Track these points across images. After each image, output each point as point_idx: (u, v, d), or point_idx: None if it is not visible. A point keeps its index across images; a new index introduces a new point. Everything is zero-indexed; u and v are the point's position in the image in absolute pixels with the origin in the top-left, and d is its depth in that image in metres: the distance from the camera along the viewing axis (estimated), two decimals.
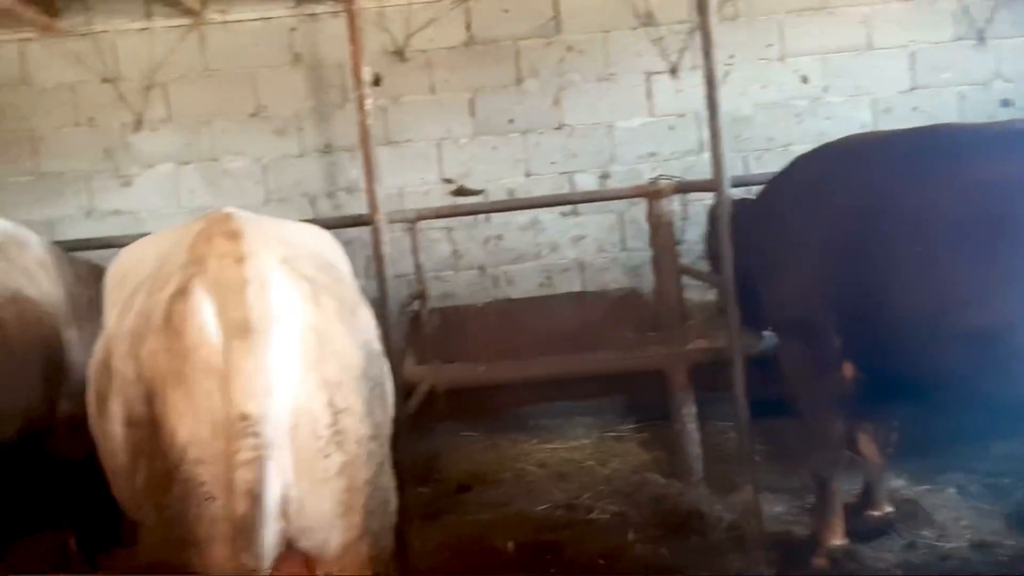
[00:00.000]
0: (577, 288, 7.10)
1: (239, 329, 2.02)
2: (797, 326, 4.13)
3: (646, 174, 7.03)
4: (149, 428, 2.10)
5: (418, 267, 5.50)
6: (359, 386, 2.30)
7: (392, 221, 4.45)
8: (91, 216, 7.05)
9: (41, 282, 4.02)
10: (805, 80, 7.17)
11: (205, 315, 2.06)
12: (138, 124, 6.99)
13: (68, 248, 4.93)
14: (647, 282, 6.89)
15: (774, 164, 6.80)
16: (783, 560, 4.22)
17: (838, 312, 3.89)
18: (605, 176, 7.16)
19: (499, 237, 7.18)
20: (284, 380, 2.10)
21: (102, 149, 7.04)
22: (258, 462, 2.05)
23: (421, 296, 5.51)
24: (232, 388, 2.03)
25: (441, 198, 7.08)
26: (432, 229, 6.73)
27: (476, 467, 6.01)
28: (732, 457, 5.62)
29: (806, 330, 4.05)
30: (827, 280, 3.91)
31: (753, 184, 5.66)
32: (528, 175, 7.13)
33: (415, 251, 5.45)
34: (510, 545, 4.61)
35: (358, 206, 6.86)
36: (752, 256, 4.30)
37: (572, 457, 6.06)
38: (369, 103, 3.74)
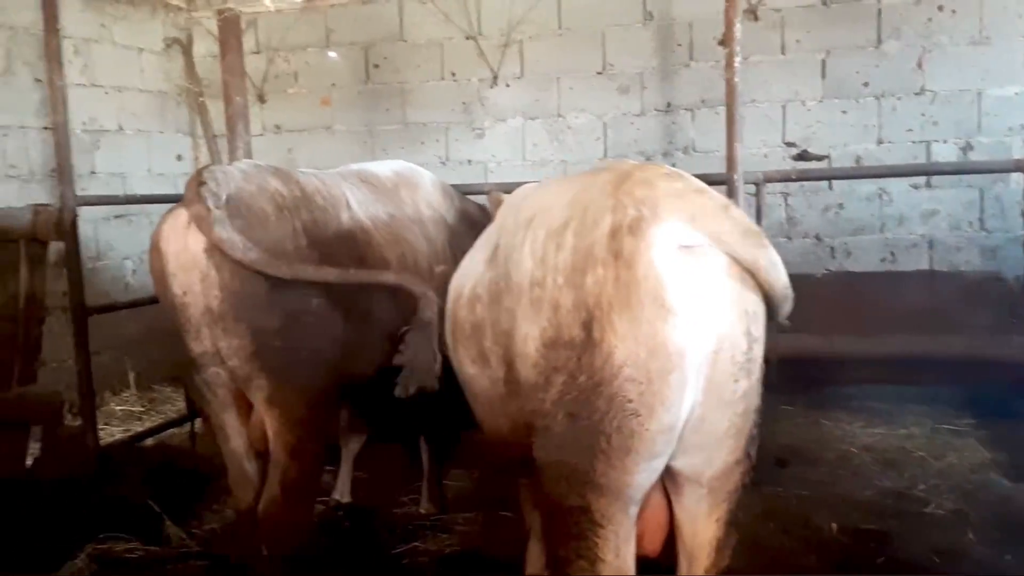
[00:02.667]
0: (924, 266, 6.63)
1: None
2: None
3: (1015, 148, 6.40)
4: (581, 349, 2.32)
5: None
6: (765, 319, 2.44)
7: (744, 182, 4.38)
8: (446, 164, 7.64)
9: (426, 223, 4.29)
10: None
11: (655, 250, 2.25)
12: (494, 80, 7.47)
13: None
14: (1007, 266, 6.33)
15: None
16: None
17: None
18: (967, 148, 6.58)
19: (840, 206, 6.86)
20: (720, 305, 2.30)
21: (461, 102, 7.61)
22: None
23: None
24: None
25: (780, 162, 6.88)
26: (768, 194, 6.56)
27: (796, 442, 5.84)
28: None
29: None
30: None
31: None
32: (880, 142, 6.73)
33: (759, 214, 5.35)
34: (834, 527, 4.46)
35: (694, 166, 6.87)
36: None
37: (902, 445, 5.72)
38: (738, 60, 3.70)
